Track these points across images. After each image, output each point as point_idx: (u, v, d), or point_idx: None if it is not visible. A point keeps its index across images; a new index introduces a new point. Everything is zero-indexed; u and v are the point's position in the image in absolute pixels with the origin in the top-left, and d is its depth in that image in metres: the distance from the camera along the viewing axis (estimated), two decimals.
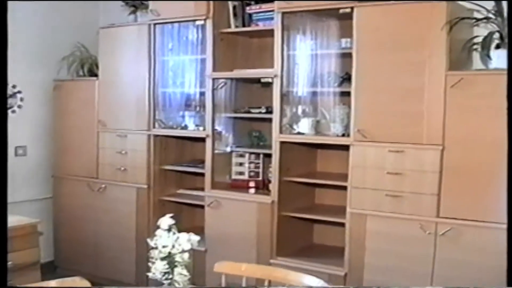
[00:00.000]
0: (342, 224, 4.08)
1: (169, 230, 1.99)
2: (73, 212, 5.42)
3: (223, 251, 4.34)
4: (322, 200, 4.66)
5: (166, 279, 1.97)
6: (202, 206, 4.70)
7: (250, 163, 4.68)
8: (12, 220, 4.22)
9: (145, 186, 4.95)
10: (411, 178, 3.77)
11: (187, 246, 1.97)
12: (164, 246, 1.95)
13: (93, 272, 4.92)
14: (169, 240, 1.96)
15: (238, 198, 4.51)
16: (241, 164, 4.71)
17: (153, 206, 4.95)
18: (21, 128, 5.33)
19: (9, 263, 3.97)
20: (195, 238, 1.99)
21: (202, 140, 4.69)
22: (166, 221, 2.00)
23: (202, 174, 4.73)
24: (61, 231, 5.56)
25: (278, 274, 2.99)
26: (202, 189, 4.74)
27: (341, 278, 4.03)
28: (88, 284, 2.70)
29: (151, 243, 1.98)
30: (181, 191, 5.09)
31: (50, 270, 4.39)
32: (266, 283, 2.92)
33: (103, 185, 5.18)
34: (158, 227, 1.99)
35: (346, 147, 4.02)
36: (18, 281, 3.97)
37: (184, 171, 5.05)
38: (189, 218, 4.96)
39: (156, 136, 4.91)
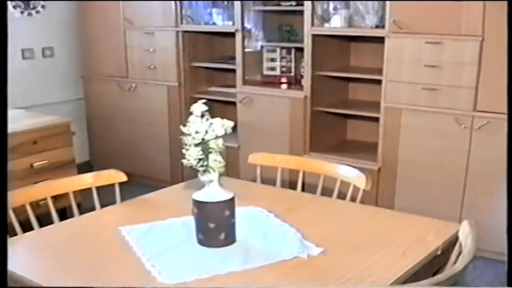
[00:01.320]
0: (376, 119, 4.03)
1: (202, 116, 1.94)
2: (105, 112, 5.43)
3: (256, 147, 4.31)
4: (355, 95, 4.58)
5: (201, 166, 1.94)
6: (233, 103, 4.66)
7: (281, 58, 4.58)
8: (45, 119, 4.27)
9: (176, 84, 4.91)
10: (448, 70, 3.66)
11: (221, 132, 1.93)
12: (197, 132, 1.91)
13: (129, 170, 4.94)
14: (202, 126, 1.91)
15: (270, 94, 4.46)
16: (272, 59, 4.61)
17: (185, 104, 4.93)
18: (46, 28, 5.28)
19: (45, 161, 4.05)
20: (229, 123, 1.94)
21: (232, 35, 4.58)
22: (198, 107, 1.95)
23: (233, 71, 4.66)
24: (95, 131, 5.60)
25: (313, 165, 2.97)
26: (233, 86, 4.68)
27: (374, 172, 4.00)
28: (124, 176, 2.71)
29: (184, 130, 1.93)
30: (212, 88, 5.04)
31: (86, 170, 4.43)
32: (300, 174, 2.90)
33: (134, 84, 5.14)
34: (190, 113, 1.95)
35: (381, 40, 3.90)
36: (56, 178, 4.02)
37: (215, 68, 4.98)
38: (220, 115, 4.89)
39: (184, 32, 4.80)
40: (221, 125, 1.92)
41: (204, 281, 1.87)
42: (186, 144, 1.96)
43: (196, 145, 1.94)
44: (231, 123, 1.95)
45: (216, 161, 1.97)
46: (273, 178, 2.92)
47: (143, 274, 1.92)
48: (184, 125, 1.95)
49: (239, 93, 4.58)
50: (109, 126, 5.45)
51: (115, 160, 5.30)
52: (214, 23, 4.78)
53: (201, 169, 1.99)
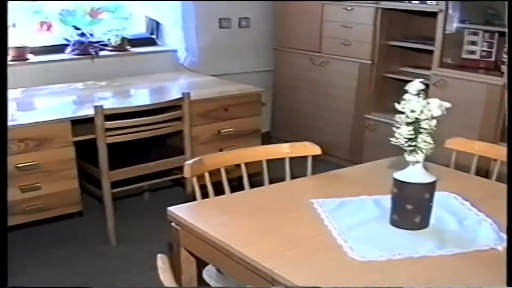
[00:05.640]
0: None
1: (418, 95, 1.89)
2: (293, 84, 5.51)
3: (445, 131, 4.16)
4: None
5: (409, 145, 1.90)
6: (426, 85, 4.51)
7: (483, 42, 4.36)
8: (238, 88, 4.41)
9: (369, 62, 4.85)
10: None
11: (437, 112, 1.86)
12: (412, 111, 1.86)
13: None
14: (418, 105, 1.86)
15: (467, 78, 4.28)
16: (473, 43, 4.41)
17: (375, 83, 4.88)
18: None
19: (232, 129, 4.18)
20: (446, 104, 1.87)
21: (432, 15, 4.42)
22: (415, 85, 1.90)
23: (427, 52, 4.52)
24: (279, 103, 5.71)
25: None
26: (426, 67, 4.54)
27: None
28: (318, 149, 2.72)
29: (399, 107, 1.89)
30: (404, 68, 4.92)
31: (265, 140, 4.57)
32: (497, 165, 2.76)
33: (325, 59, 5.15)
34: (405, 92, 1.90)
35: None
36: (241, 146, 4.15)
37: (408, 48, 4.85)
38: None
39: (384, 9, 4.72)
40: (438, 106, 1.86)
41: (396, 262, 1.84)
42: (398, 122, 1.92)
43: (408, 124, 1.89)
44: (448, 104, 1.88)
45: (425, 142, 1.91)
46: (463, 164, 2.80)
47: (334, 247, 1.92)
48: (398, 103, 1.91)
49: (434, 75, 4.44)
50: (294, 98, 5.53)
51: (295, 133, 5.38)
52: (409, 1, 4.63)
53: (408, 148, 1.94)
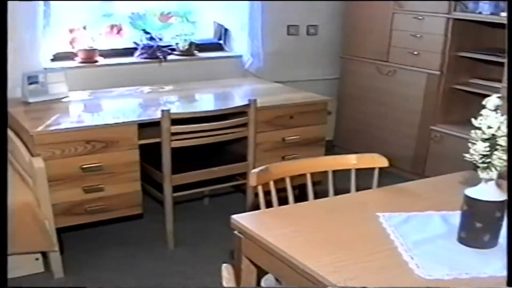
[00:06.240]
0: None
1: (495, 110, 1.82)
2: (358, 93, 5.46)
3: None
4: None
5: (483, 162, 1.83)
6: None
7: None
8: (304, 96, 4.39)
9: (437, 72, 4.75)
10: None
11: None
12: (489, 127, 1.79)
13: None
14: (495, 121, 1.79)
15: None
16: None
17: (442, 94, 4.77)
18: (313, 6, 5.41)
19: (297, 137, 4.15)
20: None
21: (504, 26, 4.28)
22: (493, 100, 1.83)
23: (498, 64, 4.39)
24: (343, 111, 5.65)
25: None
26: (497, 80, 4.41)
27: None
28: (385, 161, 2.67)
29: (475, 123, 1.83)
30: (474, 80, 4.79)
31: (327, 149, 4.53)
32: None
33: (393, 69, 5.08)
34: (483, 107, 1.84)
35: None
36: (305, 155, 4.12)
37: (479, 59, 4.71)
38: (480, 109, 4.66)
39: (455, 20, 4.60)
40: None
41: (463, 282, 1.78)
42: (473, 138, 1.85)
43: (484, 140, 1.82)
44: None
45: (500, 159, 1.84)
46: None
47: (400, 263, 1.87)
48: (475, 118, 1.85)
49: (504, 88, 4.29)
50: (358, 107, 5.47)
51: (358, 142, 5.36)
52: (480, 12, 4.50)
53: (482, 165, 1.87)
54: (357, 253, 1.94)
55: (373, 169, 2.69)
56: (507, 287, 1.64)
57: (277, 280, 2.37)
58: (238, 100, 4.47)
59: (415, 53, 4.87)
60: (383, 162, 2.68)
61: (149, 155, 3.72)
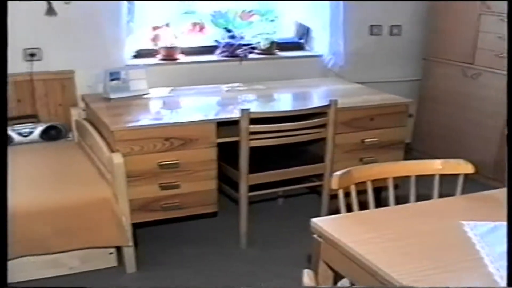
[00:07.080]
0: None
1: None
2: (440, 96, 5.31)
3: None
4: None
5: None
6: None
7: None
8: (385, 97, 4.30)
9: None
10: None
11: None
12: None
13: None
14: None
15: None
16: None
17: None
18: (397, 6, 5.30)
19: (376, 139, 4.06)
20: None
21: None
22: None
23: None
24: (424, 114, 5.52)
25: None
26: None
27: None
28: (471, 168, 2.56)
29: None
30: None
31: (405, 152, 4.43)
32: None
33: (478, 71, 4.92)
34: None
35: None
36: (383, 157, 4.04)
37: None
38: None
39: None
40: None
41: None
42: None
43: None
44: None
45: None
46: None
47: (484, 275, 1.80)
48: None
49: None
50: (439, 110, 5.33)
51: (437, 146, 5.23)
52: None
53: None
54: (440, 263, 1.88)
55: (456, 175, 2.59)
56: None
57: (352, 284, 2.31)
58: (316, 100, 4.42)
59: (502, 55, 4.69)
60: (469, 168, 2.57)
61: (225, 154, 3.72)
